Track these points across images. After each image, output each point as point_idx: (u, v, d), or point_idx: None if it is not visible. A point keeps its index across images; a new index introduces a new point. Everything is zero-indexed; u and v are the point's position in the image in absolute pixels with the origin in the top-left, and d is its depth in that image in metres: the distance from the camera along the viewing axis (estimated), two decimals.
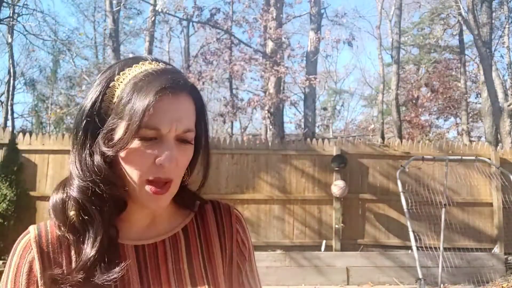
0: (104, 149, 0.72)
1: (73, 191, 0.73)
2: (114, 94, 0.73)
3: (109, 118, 0.73)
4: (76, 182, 0.73)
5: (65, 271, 0.71)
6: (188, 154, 0.76)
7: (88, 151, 0.74)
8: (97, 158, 0.72)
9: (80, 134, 0.74)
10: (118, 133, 0.71)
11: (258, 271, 0.90)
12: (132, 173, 0.72)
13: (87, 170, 0.73)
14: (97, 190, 0.72)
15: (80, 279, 0.70)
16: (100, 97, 0.74)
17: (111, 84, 0.74)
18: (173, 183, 0.74)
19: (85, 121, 0.74)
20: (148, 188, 0.72)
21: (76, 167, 0.74)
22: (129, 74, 0.74)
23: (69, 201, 0.74)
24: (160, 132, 0.71)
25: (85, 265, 0.70)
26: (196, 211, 0.85)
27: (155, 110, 0.69)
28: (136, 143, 0.71)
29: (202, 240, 0.83)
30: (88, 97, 0.75)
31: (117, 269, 0.71)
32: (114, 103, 0.73)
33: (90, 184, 0.72)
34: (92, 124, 0.73)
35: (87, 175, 0.73)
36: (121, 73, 0.74)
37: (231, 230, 0.86)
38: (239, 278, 0.85)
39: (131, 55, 0.80)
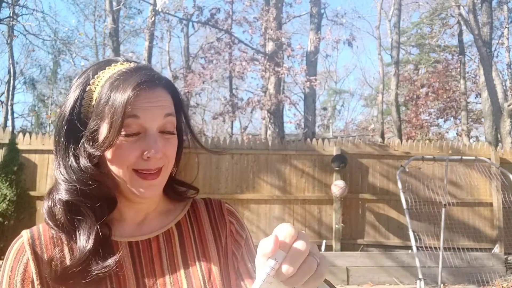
0: (91, 150, 0.73)
1: (61, 195, 0.75)
2: (92, 98, 0.75)
3: (90, 120, 0.74)
4: (63, 186, 0.75)
5: (61, 268, 0.72)
6: (173, 143, 0.78)
7: (72, 155, 0.75)
8: (83, 161, 0.74)
9: (62, 140, 0.76)
10: (102, 133, 0.73)
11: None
12: (120, 167, 0.74)
13: (73, 172, 0.75)
14: (85, 190, 0.73)
15: (77, 273, 0.71)
16: (78, 102, 0.76)
17: (87, 88, 0.76)
18: (163, 169, 0.76)
19: (65, 126, 0.76)
20: (138, 177, 0.74)
21: (61, 172, 0.76)
22: (103, 76, 0.76)
23: (55, 207, 0.75)
24: (143, 124, 0.73)
25: (81, 258, 0.72)
26: (189, 208, 0.87)
27: (134, 104, 0.71)
28: (121, 140, 0.72)
29: (196, 236, 0.84)
30: (66, 104, 0.77)
31: (111, 260, 0.73)
32: (93, 106, 0.75)
33: (77, 185, 0.74)
34: (74, 129, 0.75)
35: (73, 177, 0.74)
36: (95, 76, 0.76)
37: (224, 222, 0.87)
38: (235, 264, 0.85)
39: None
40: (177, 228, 0.83)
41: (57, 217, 0.75)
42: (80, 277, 0.72)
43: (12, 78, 16.45)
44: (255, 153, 7.20)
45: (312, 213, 7.17)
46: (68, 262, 0.73)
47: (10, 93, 16.43)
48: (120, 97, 0.71)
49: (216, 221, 0.87)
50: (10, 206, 6.27)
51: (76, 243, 0.74)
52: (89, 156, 0.74)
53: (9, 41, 15.66)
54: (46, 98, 21.27)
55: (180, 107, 0.81)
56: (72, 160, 0.75)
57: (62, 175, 0.76)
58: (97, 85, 0.75)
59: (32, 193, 6.62)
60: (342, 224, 7.03)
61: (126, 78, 0.73)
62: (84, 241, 0.73)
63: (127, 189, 0.75)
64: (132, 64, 0.78)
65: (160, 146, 0.73)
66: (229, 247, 0.85)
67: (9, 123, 16.60)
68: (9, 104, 16.36)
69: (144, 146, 0.73)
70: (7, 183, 6.37)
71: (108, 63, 0.78)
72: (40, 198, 6.56)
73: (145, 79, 0.73)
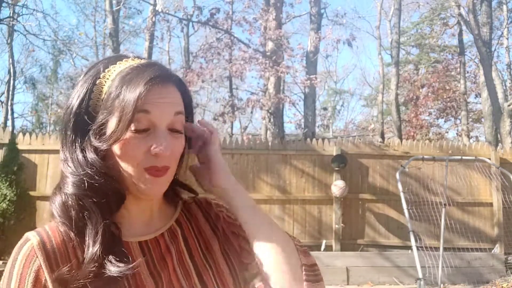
0: (97, 144, 0.73)
1: (68, 189, 0.73)
2: (101, 91, 0.75)
3: (99, 114, 0.74)
4: (70, 179, 0.74)
5: (75, 271, 0.69)
6: (180, 142, 0.77)
7: (79, 148, 0.75)
8: (90, 154, 0.74)
9: (69, 132, 0.76)
10: (110, 127, 0.72)
11: None
12: (128, 163, 0.73)
13: (80, 166, 0.74)
14: (93, 183, 0.72)
15: (91, 275, 0.68)
16: (87, 95, 0.75)
17: (97, 82, 0.75)
18: (170, 168, 0.76)
19: (73, 119, 0.75)
20: (146, 173, 0.73)
21: (68, 165, 0.75)
22: (114, 70, 0.75)
23: (68, 201, 0.73)
24: (152, 119, 0.72)
25: (91, 260, 0.69)
26: (181, 206, 0.88)
27: (145, 99, 0.71)
28: (129, 135, 0.72)
29: (195, 231, 0.85)
30: (75, 96, 0.76)
31: (125, 265, 0.70)
32: (102, 99, 0.74)
33: (84, 178, 0.72)
34: (81, 122, 0.75)
35: (80, 170, 0.73)
36: (106, 70, 0.76)
37: (216, 213, 0.88)
38: (237, 241, 0.84)
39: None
40: (178, 225, 0.84)
41: (69, 212, 0.72)
42: (95, 277, 0.69)
43: (12, 78, 16.46)
44: (255, 153, 7.20)
45: (312, 213, 7.17)
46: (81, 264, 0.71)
47: (10, 93, 16.43)
48: (132, 91, 0.70)
49: (209, 214, 0.88)
50: (10, 206, 6.27)
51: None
52: (95, 150, 0.73)
53: (9, 41, 15.66)
54: (46, 98, 21.27)
55: (190, 106, 0.81)
56: (78, 153, 0.74)
57: (70, 168, 0.74)
58: (107, 78, 0.75)
59: (32, 193, 6.61)
60: (342, 224, 7.02)
61: (138, 72, 0.72)
62: (92, 237, 0.71)
63: (133, 185, 0.74)
64: (143, 61, 0.78)
65: (170, 143, 0.73)
66: (226, 230, 0.86)
67: (9, 123, 16.61)
68: (9, 104, 16.37)
69: (152, 143, 0.72)
70: (7, 183, 6.37)
71: (119, 58, 0.78)
72: (40, 198, 6.56)
73: (158, 74, 0.73)
